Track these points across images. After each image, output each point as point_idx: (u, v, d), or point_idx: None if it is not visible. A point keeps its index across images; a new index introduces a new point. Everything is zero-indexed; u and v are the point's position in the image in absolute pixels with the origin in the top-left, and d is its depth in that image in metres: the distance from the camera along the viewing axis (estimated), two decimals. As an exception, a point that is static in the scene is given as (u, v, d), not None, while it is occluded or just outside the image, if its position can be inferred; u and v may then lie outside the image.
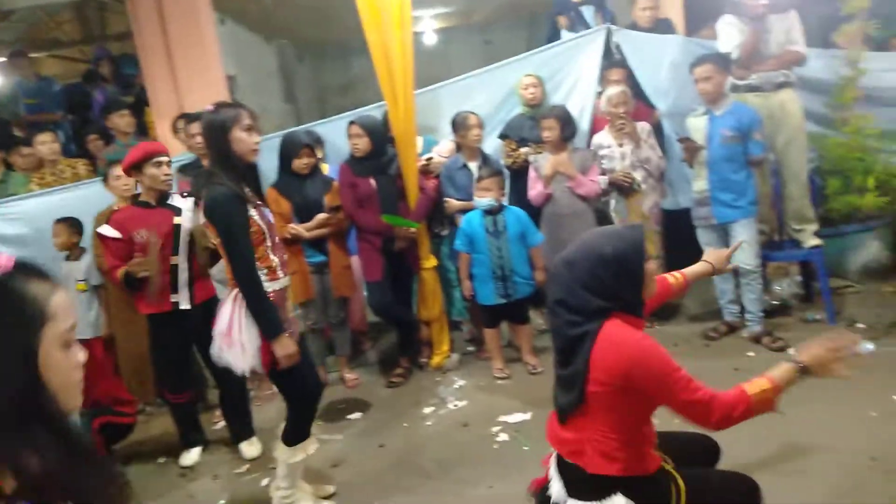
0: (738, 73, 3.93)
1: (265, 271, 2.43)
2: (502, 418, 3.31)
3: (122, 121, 4.83)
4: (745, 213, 3.69)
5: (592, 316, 1.65)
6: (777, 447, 2.64)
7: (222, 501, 2.99)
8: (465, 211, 3.94)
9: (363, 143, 3.78)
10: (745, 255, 3.67)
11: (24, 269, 0.95)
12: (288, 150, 3.74)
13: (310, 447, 2.64)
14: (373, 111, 4.26)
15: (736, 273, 3.81)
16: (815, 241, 3.95)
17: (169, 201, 3.26)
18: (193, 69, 4.98)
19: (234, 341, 2.41)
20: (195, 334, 3.20)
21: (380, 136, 3.84)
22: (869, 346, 3.59)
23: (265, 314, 2.40)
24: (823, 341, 1.70)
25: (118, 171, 3.78)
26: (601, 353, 1.62)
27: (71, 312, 0.99)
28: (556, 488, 1.76)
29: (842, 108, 4.24)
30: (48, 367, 0.93)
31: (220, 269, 3.23)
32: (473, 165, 4.04)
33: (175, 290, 3.20)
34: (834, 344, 1.69)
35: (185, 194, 3.30)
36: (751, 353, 3.62)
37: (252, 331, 2.40)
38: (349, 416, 3.66)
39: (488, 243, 3.76)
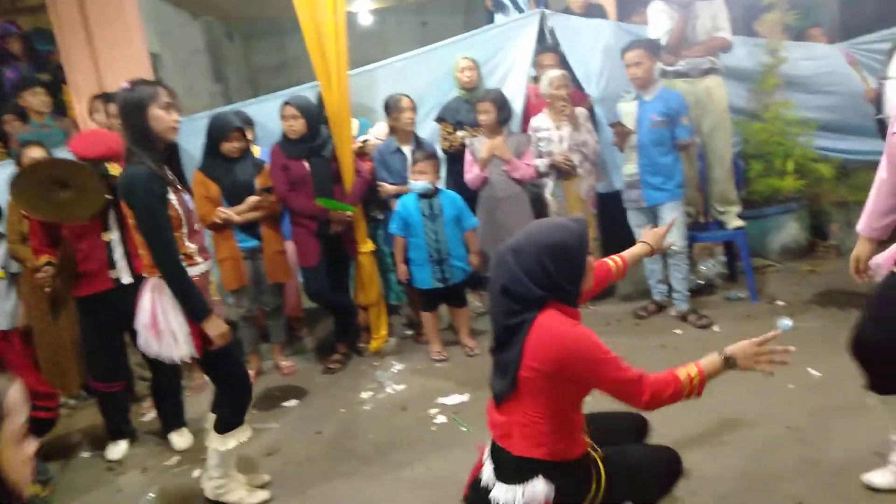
0: (666, 60, 4.04)
1: (181, 258, 2.36)
2: (440, 400, 3.33)
3: (35, 99, 4.57)
4: (673, 196, 3.81)
5: (531, 305, 1.69)
6: (701, 420, 2.75)
7: (152, 494, 2.89)
8: (399, 195, 3.91)
9: (298, 125, 3.68)
10: (673, 236, 3.79)
11: None
12: (217, 133, 3.60)
13: (242, 435, 2.60)
14: (306, 91, 4.16)
15: (664, 254, 3.94)
16: (739, 223, 4.12)
17: None
18: (114, 46, 4.73)
19: (163, 331, 2.34)
20: (130, 316, 3.10)
21: (315, 117, 3.75)
22: (788, 322, 3.80)
23: (191, 296, 2.33)
24: (752, 341, 1.79)
25: (33, 152, 3.59)
26: (535, 342, 1.66)
27: (22, 406, 0.98)
28: (488, 472, 1.81)
29: (763, 94, 4.42)
30: (5, 465, 0.92)
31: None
32: (407, 149, 4.01)
33: (112, 266, 3.08)
34: (760, 342, 1.78)
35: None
36: (678, 331, 3.76)
37: (179, 316, 2.33)
38: (285, 404, 3.60)
39: (424, 227, 3.74)
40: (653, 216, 3.89)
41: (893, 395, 2.07)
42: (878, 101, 2.92)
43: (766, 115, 4.38)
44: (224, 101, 7.65)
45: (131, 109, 2.30)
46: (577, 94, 4.43)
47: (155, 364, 3.18)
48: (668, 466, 1.86)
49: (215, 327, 2.36)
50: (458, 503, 2.42)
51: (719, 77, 4.08)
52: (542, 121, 4.15)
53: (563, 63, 4.37)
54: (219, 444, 2.55)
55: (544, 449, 1.70)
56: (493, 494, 1.77)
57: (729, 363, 1.76)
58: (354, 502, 2.59)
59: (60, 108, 5.09)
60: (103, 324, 3.13)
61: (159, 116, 2.31)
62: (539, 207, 4.18)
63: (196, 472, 2.92)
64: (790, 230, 4.62)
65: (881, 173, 2.03)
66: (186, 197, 2.43)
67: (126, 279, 3.08)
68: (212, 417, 2.62)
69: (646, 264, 4.05)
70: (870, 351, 2.06)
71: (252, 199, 3.63)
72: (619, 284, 4.57)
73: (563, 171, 4.08)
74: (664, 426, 2.75)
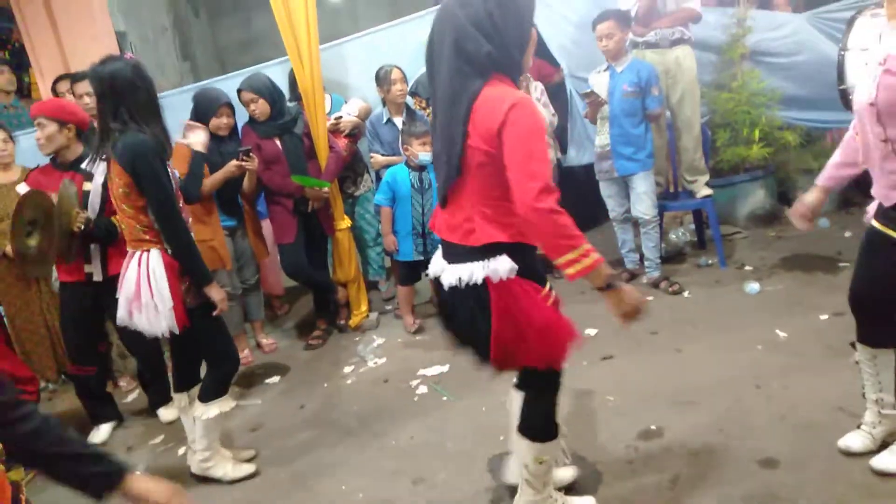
0: (636, 31, 4.08)
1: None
2: (421, 372, 3.39)
3: (1, 78, 4.46)
4: (644, 166, 3.88)
5: (478, 68, 1.63)
6: (672, 381, 2.85)
7: (138, 472, 2.91)
8: (389, 166, 3.92)
9: (260, 106, 3.66)
10: (644, 205, 3.88)
11: None
12: (205, 108, 3.56)
13: (225, 405, 2.64)
14: (274, 67, 4.14)
15: (635, 223, 4.03)
16: (707, 191, 4.21)
17: (83, 165, 3.05)
18: (78, 24, 4.63)
19: (146, 304, 2.37)
20: (109, 307, 3.10)
21: (275, 93, 3.71)
22: (755, 286, 3.92)
23: (199, 262, 2.43)
24: (638, 297, 1.71)
25: None
26: (479, 111, 1.62)
27: None
28: (437, 261, 1.84)
29: (731, 63, 4.49)
30: None
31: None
32: (398, 120, 4.02)
33: (88, 260, 3.05)
34: (636, 299, 1.70)
35: (104, 158, 3.10)
36: (650, 297, 3.84)
37: (164, 290, 2.36)
38: (267, 381, 3.64)
39: (412, 199, 3.77)
40: (624, 186, 3.97)
41: (883, 350, 2.10)
42: (839, 71, 3.00)
43: (733, 85, 4.45)
44: (192, 79, 7.52)
45: (142, 79, 2.33)
46: (547, 66, 4.46)
47: (135, 347, 3.21)
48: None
49: (216, 291, 2.45)
50: (441, 469, 2.51)
51: (689, 47, 4.13)
52: None
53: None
54: (202, 411, 2.59)
55: (510, 230, 1.66)
56: (445, 276, 1.77)
57: (609, 285, 1.65)
58: (339, 472, 2.64)
59: (24, 90, 4.98)
60: (76, 310, 3.13)
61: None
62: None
63: (181, 451, 2.95)
64: (757, 197, 4.73)
65: (850, 132, 2.13)
66: (175, 171, 2.47)
67: (97, 277, 3.07)
68: (180, 397, 2.67)
69: (618, 235, 4.14)
70: (859, 303, 2.12)
71: (233, 163, 3.49)
72: (593, 254, 4.64)
73: None
74: (634, 382, 2.87)
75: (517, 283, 1.68)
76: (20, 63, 5.13)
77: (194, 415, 2.62)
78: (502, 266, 1.67)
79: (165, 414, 3.32)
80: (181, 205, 2.49)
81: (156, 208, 2.35)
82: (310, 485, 2.59)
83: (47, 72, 4.57)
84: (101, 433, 3.28)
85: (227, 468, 2.69)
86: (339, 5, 8.86)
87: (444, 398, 3.08)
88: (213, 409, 2.59)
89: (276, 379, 3.65)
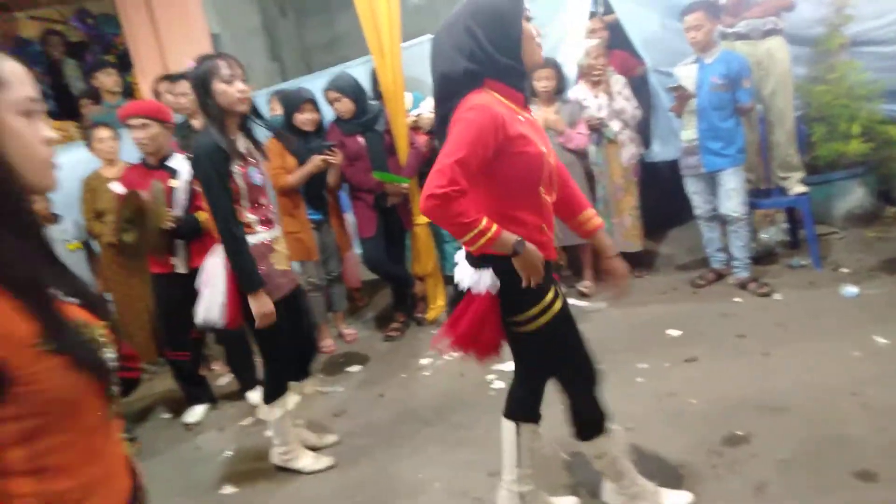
0: (726, 21, 3.93)
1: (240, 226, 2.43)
2: (497, 367, 3.39)
3: (108, 79, 4.78)
4: (734, 162, 3.74)
5: (462, 85, 1.61)
6: (761, 386, 2.74)
7: (229, 452, 3.08)
8: None
9: (344, 105, 3.77)
10: (733, 202, 3.74)
11: None
12: (291, 105, 3.73)
13: (288, 402, 2.67)
14: (358, 67, 4.24)
15: (723, 221, 3.88)
16: (801, 189, 4.01)
17: (168, 162, 3.22)
18: (176, 28, 4.91)
19: (205, 294, 2.48)
20: (189, 299, 3.28)
21: (359, 92, 3.81)
22: (853, 289, 3.71)
23: (243, 267, 2.38)
24: (534, 252, 1.72)
25: (101, 133, 3.76)
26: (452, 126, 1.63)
27: (28, 82, 0.92)
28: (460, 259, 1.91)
29: (828, 54, 4.25)
30: (7, 136, 0.87)
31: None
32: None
33: (173, 253, 3.22)
34: (538, 257, 1.72)
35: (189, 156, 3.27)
36: (737, 299, 3.71)
37: (219, 284, 2.43)
38: (349, 369, 3.75)
39: None
40: (712, 182, 3.83)
41: None
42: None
43: (829, 77, 4.21)
44: (280, 79, 7.78)
45: (198, 86, 2.36)
46: (631, 59, 4.37)
47: (219, 333, 3.37)
48: (589, 375, 1.91)
49: (260, 305, 2.39)
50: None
51: (781, 38, 3.94)
52: (580, 91, 4.13)
53: (617, 28, 4.30)
54: (266, 413, 2.66)
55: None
56: (456, 269, 1.91)
57: (515, 250, 1.67)
58: (416, 461, 2.69)
59: (128, 91, 5.31)
60: (168, 299, 3.29)
61: (223, 91, 2.32)
62: (592, 178, 4.18)
63: (268, 432, 3.08)
64: (855, 195, 4.46)
65: None
66: (254, 171, 2.46)
67: (181, 269, 3.20)
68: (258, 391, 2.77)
69: (704, 232, 4.01)
70: None
71: (317, 157, 3.61)
72: (675, 253, 4.52)
73: (596, 130, 4.06)
74: (719, 386, 2.78)
75: (490, 299, 1.77)
76: (123, 65, 5.48)
77: (260, 416, 2.70)
78: (485, 278, 1.76)
79: (254, 397, 3.46)
80: (260, 198, 2.50)
81: (208, 209, 2.41)
82: (387, 472, 2.65)
83: (148, 73, 4.87)
84: (195, 413, 3.47)
85: (306, 461, 2.75)
86: (421, 4, 8.95)
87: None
88: (277, 410, 2.64)
89: (356, 368, 3.76)
